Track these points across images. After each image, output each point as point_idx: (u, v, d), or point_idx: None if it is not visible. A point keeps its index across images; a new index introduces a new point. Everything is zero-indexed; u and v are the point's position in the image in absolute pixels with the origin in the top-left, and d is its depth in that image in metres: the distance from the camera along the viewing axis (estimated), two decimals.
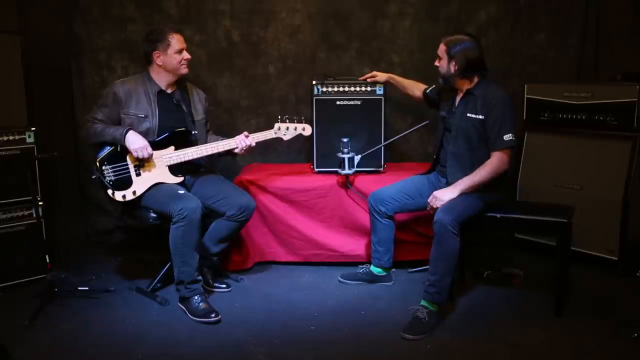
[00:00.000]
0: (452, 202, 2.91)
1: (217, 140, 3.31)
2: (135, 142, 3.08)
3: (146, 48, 3.21)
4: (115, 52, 4.12)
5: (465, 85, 3.07)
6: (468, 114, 3.03)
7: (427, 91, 3.47)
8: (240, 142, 3.26)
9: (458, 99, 3.12)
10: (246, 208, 3.21)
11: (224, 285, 3.36)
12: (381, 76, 3.68)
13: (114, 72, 4.12)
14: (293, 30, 4.16)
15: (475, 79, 3.04)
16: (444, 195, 2.93)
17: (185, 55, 3.20)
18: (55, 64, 4.06)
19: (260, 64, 4.20)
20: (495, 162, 2.94)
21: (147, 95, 3.20)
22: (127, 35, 4.10)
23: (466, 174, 2.98)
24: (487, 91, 3.00)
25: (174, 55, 3.17)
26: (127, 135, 3.08)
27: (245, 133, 3.29)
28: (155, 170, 3.18)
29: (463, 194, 2.94)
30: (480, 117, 2.98)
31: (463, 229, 2.91)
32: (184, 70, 3.23)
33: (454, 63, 3.01)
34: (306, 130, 3.41)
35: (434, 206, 2.94)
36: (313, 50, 4.18)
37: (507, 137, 2.93)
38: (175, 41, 3.17)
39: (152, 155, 3.13)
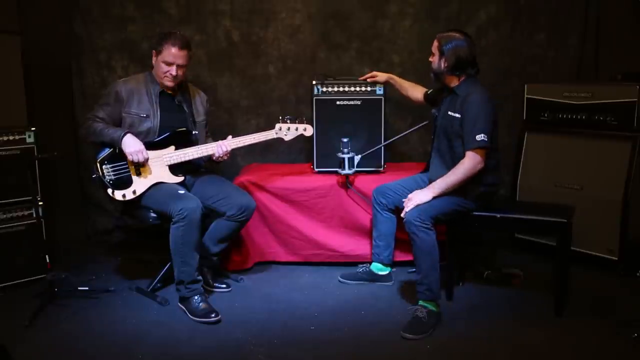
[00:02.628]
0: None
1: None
2: (132, 146, 3.07)
3: (151, 43, 3.21)
4: (115, 52, 4.12)
5: (453, 83, 3.08)
6: (449, 112, 3.05)
7: (429, 93, 3.49)
8: (219, 148, 3.23)
9: (445, 96, 3.15)
10: (246, 208, 3.21)
11: (224, 285, 3.36)
12: (381, 76, 3.68)
13: (114, 72, 4.12)
14: (293, 30, 4.16)
15: (463, 78, 3.05)
16: (417, 196, 2.94)
17: (172, 70, 3.13)
18: (55, 64, 4.06)
19: (260, 64, 4.20)
20: (467, 162, 2.92)
21: (148, 95, 3.20)
22: (127, 35, 4.10)
23: (448, 170, 2.99)
24: (468, 91, 3.00)
25: (161, 63, 3.14)
26: (125, 138, 3.07)
27: (229, 137, 3.28)
28: (156, 170, 3.17)
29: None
30: (458, 115, 3.00)
31: (448, 225, 2.95)
32: (167, 82, 3.18)
33: (444, 60, 3.02)
34: (307, 130, 3.41)
35: (407, 206, 2.94)
36: (313, 50, 4.18)
37: (480, 137, 2.90)
38: (167, 53, 3.11)
39: (147, 159, 3.12)
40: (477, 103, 2.95)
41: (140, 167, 3.15)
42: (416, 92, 3.58)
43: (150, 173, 3.16)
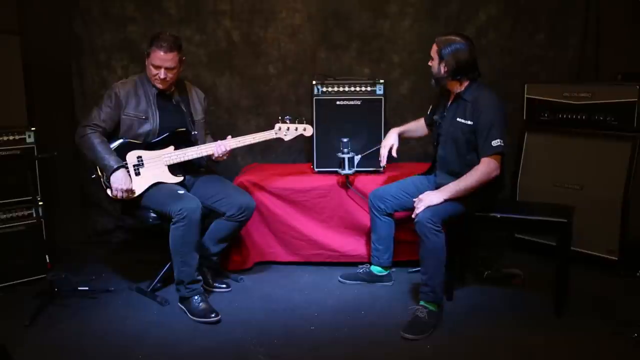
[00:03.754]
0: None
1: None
2: (120, 182, 3.04)
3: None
4: (115, 52, 4.12)
5: (456, 88, 3.02)
6: (457, 119, 2.99)
7: (426, 117, 3.38)
8: (218, 148, 3.21)
9: (449, 102, 3.09)
10: (246, 208, 3.21)
11: (224, 285, 3.36)
12: (393, 137, 3.34)
13: (114, 72, 4.12)
14: (293, 30, 4.16)
15: (466, 82, 2.99)
16: (429, 198, 2.89)
17: (160, 74, 3.10)
18: (55, 64, 4.06)
19: (260, 64, 4.20)
20: (482, 168, 2.87)
21: (146, 96, 3.19)
22: (127, 35, 4.10)
23: (454, 179, 2.95)
24: (477, 96, 2.94)
25: (150, 66, 3.13)
26: (116, 172, 3.04)
27: (229, 137, 3.27)
28: (155, 170, 3.17)
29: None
30: (469, 122, 2.93)
31: (450, 226, 2.91)
32: (158, 85, 3.16)
33: (443, 64, 2.96)
34: (307, 130, 3.39)
35: (417, 207, 2.89)
36: (313, 50, 4.18)
37: (496, 142, 2.85)
38: (154, 56, 3.09)
39: (132, 197, 3.10)
40: (490, 108, 2.90)
41: (139, 170, 3.14)
42: (419, 125, 3.44)
43: (154, 166, 3.14)
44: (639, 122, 3.39)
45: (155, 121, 3.18)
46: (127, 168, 3.10)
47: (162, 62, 3.09)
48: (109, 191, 3.12)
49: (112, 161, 3.06)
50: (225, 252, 3.42)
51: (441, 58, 2.97)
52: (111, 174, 3.04)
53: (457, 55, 2.94)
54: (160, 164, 3.18)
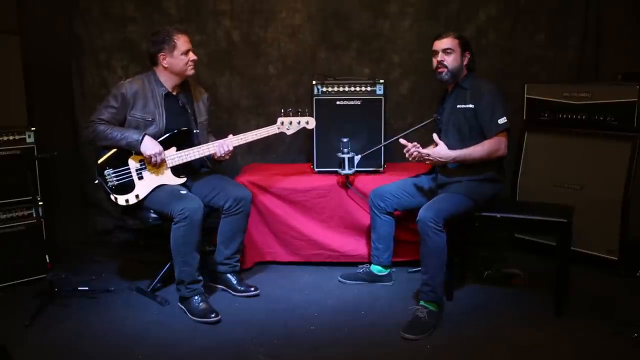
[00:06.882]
0: (434, 200, 2.96)
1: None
2: (152, 148, 3.06)
3: (151, 49, 3.15)
4: (115, 52, 4.12)
5: (460, 79, 3.14)
6: (458, 106, 3.08)
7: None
8: (220, 147, 3.21)
9: (447, 95, 3.18)
10: (242, 199, 3.19)
11: (252, 289, 3.30)
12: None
13: (114, 72, 4.12)
14: (293, 30, 4.16)
15: (465, 72, 3.13)
16: (438, 154, 2.98)
17: (192, 56, 3.15)
18: (55, 64, 4.06)
19: (260, 64, 4.20)
20: (493, 142, 2.98)
21: (154, 97, 3.16)
22: (127, 35, 4.10)
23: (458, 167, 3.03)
24: (475, 82, 3.09)
25: (180, 57, 3.12)
26: (144, 141, 3.05)
27: (230, 136, 3.26)
28: (157, 173, 3.17)
29: (447, 194, 3.00)
30: (470, 106, 3.03)
31: (451, 226, 2.94)
32: (191, 71, 3.19)
33: (466, 55, 3.10)
34: (310, 123, 3.36)
35: (420, 151, 2.99)
36: (313, 50, 4.18)
37: (502, 120, 2.97)
38: (182, 42, 3.11)
39: (165, 160, 3.13)
40: (491, 91, 3.03)
41: (152, 166, 3.14)
42: None
43: (157, 169, 3.15)
44: (639, 122, 3.39)
45: (162, 123, 3.16)
46: (146, 134, 3.10)
47: (189, 44, 3.16)
48: (112, 196, 3.10)
49: (133, 136, 3.06)
50: (241, 252, 3.39)
51: (464, 49, 3.10)
52: (140, 145, 3.05)
53: (470, 47, 3.14)
54: (163, 166, 3.17)
